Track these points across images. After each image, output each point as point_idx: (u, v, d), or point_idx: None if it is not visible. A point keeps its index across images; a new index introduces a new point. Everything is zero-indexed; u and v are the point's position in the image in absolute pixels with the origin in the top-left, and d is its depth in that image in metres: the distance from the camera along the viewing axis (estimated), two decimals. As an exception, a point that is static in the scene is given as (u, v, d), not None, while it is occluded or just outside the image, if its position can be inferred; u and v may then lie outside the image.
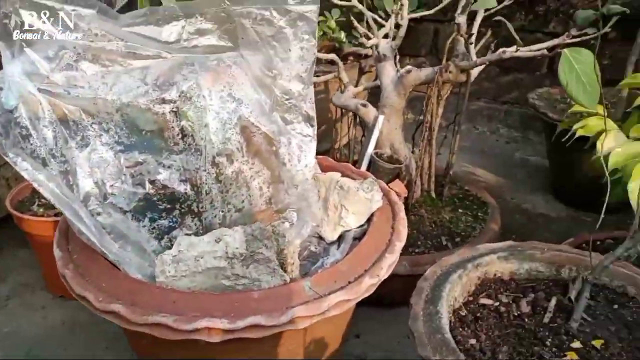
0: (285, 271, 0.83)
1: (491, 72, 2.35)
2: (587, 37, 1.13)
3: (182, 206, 0.85)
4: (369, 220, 1.00)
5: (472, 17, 1.42)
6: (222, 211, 0.87)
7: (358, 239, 0.97)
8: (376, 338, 1.25)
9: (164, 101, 0.82)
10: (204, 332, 0.73)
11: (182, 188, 0.84)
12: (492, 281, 0.97)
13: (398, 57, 1.88)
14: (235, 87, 0.85)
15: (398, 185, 1.47)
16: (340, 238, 0.99)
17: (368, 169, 1.50)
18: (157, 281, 0.80)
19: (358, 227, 0.99)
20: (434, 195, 1.52)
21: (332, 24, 2.26)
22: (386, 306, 1.30)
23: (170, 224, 0.85)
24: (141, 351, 0.93)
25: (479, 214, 1.47)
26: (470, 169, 2.09)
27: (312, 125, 0.89)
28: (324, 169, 1.17)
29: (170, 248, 0.82)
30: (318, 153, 2.21)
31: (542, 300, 0.92)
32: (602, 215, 0.91)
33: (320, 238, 1.00)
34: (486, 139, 2.37)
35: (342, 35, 2.21)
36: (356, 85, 1.83)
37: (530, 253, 0.99)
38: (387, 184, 1.49)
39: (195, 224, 0.86)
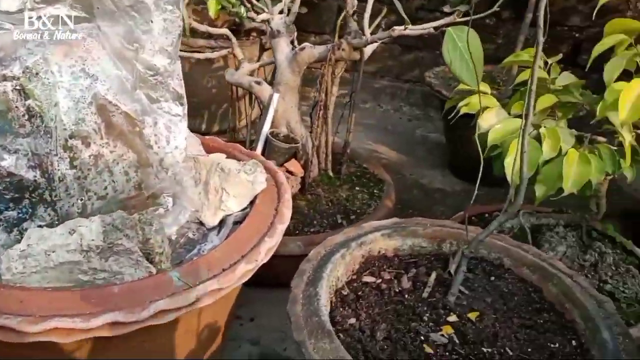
0: (152, 262, 0.78)
1: (394, 50, 2.37)
2: (479, 16, 1.13)
3: (33, 195, 0.76)
4: (252, 203, 0.96)
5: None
6: (81, 199, 0.79)
7: (240, 222, 0.93)
8: (271, 320, 1.23)
9: (4, 78, 0.73)
10: (55, 334, 0.66)
11: (31, 175, 0.75)
12: (376, 259, 0.97)
13: (295, 34, 1.83)
14: (90, 62, 0.77)
15: (294, 165, 1.45)
16: (222, 223, 0.94)
17: (264, 150, 1.46)
18: (3, 279, 0.71)
19: (240, 211, 0.95)
20: (331, 173, 1.51)
21: (232, -3, 2.17)
22: (282, 287, 1.28)
23: (20, 215, 0.77)
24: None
25: (375, 191, 1.48)
26: (373, 146, 2.11)
27: (181, 104, 0.83)
28: (211, 150, 1.11)
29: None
30: (219, 133, 2.13)
31: (423, 276, 0.93)
32: (476, 192, 0.93)
33: (201, 224, 0.95)
34: (390, 116, 2.40)
35: (243, 9, 2.12)
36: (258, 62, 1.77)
37: (413, 229, 1.00)
38: (283, 163, 1.46)
39: (50, 215, 0.77)
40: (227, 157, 1.06)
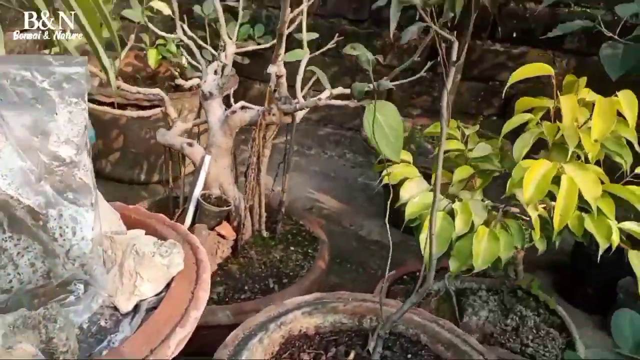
0: (55, 361, 0.75)
1: (337, 99, 2.42)
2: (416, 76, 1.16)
3: None
4: (169, 285, 0.95)
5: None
6: (-19, 296, 0.76)
7: (154, 308, 0.91)
8: (197, 396, 1.20)
9: None
10: None
11: None
12: (296, 338, 0.97)
13: (234, 88, 1.85)
14: (-9, 156, 0.75)
15: (225, 228, 1.44)
16: (137, 308, 0.92)
17: (196, 212, 1.45)
18: None
19: (155, 296, 0.93)
20: (265, 233, 1.50)
21: (173, 47, 2.17)
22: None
23: None
24: None
25: (309, 250, 1.48)
26: (315, 195, 2.13)
27: (89, 193, 0.82)
28: (132, 223, 1.09)
29: None
30: (158, 182, 2.10)
31: (342, 356, 0.94)
32: (389, 264, 0.95)
33: (116, 308, 0.92)
34: (334, 163, 2.43)
35: (184, 60, 2.13)
36: (198, 115, 1.76)
37: (334, 305, 1.00)
38: (214, 227, 1.45)
39: (-55, 316, 0.74)
40: (147, 233, 1.04)
